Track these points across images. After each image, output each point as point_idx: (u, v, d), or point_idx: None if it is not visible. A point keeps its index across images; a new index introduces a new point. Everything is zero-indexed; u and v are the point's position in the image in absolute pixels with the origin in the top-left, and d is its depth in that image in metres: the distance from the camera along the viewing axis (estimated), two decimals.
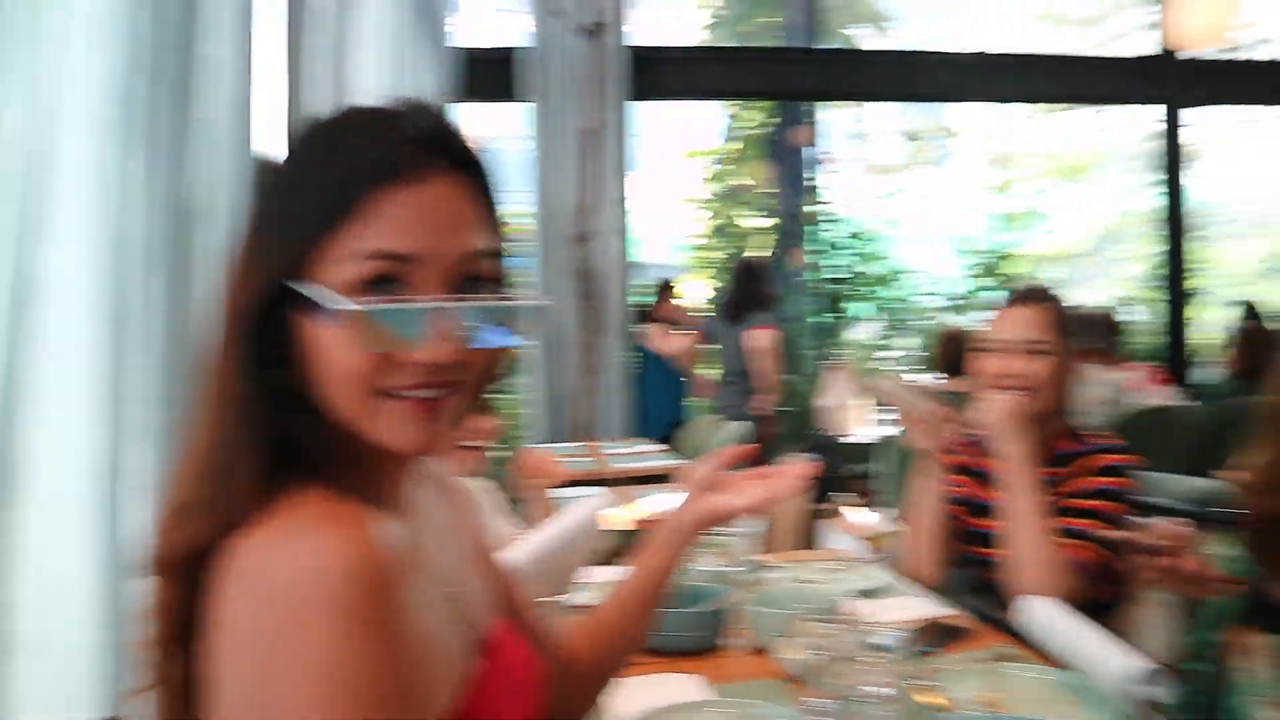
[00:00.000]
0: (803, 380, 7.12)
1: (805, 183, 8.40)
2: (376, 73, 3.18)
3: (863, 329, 8.56)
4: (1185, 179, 6.80)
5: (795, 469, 1.04)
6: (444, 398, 0.74)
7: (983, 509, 1.87)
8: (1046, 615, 1.44)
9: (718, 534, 1.94)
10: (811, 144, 7.98)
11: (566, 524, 1.62)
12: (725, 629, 1.60)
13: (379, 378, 0.71)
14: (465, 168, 0.75)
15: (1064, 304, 1.90)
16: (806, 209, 8.23)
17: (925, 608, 1.78)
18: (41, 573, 1.13)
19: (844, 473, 4.80)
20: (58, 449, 1.17)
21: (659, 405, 5.56)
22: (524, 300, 0.75)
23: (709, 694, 1.39)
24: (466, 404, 0.77)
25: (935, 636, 1.59)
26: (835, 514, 2.79)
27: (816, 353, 7.59)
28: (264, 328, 0.72)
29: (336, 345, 0.70)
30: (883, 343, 8.47)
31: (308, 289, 0.70)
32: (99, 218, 1.25)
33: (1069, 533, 1.70)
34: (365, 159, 0.71)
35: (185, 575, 0.68)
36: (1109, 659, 1.26)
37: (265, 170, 0.77)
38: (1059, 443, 1.85)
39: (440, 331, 0.71)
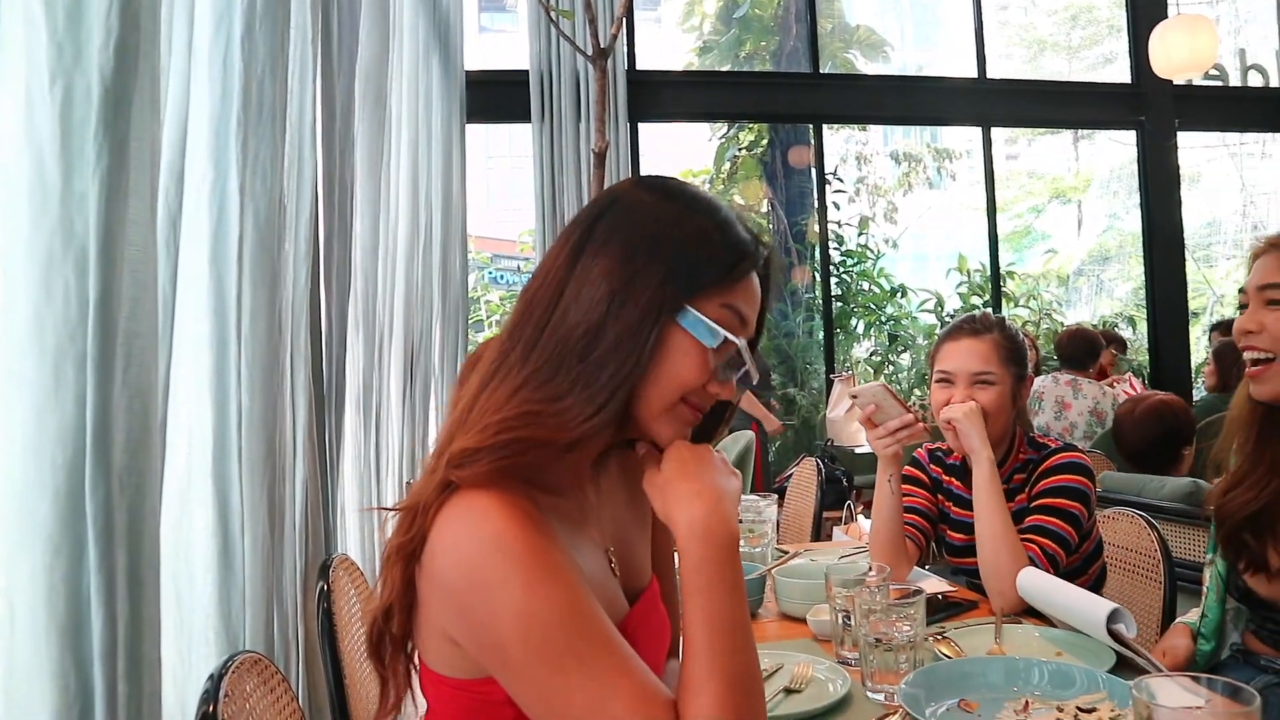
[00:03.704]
0: (807, 394, 7.30)
1: (806, 202, 8.63)
2: (410, 99, 3.38)
3: (864, 345, 8.75)
4: (1170, 201, 7.01)
5: None
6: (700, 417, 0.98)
7: (954, 523, 2.03)
8: (1035, 579, 1.62)
9: (746, 520, 2.11)
10: (811, 164, 8.19)
11: None
12: (757, 600, 1.77)
13: (691, 391, 0.94)
14: (766, 288, 1.03)
15: (1009, 331, 1.95)
16: (808, 228, 8.44)
17: (937, 584, 1.96)
18: (177, 532, 1.30)
19: (855, 482, 4.96)
20: (188, 432, 1.35)
21: None
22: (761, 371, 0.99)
23: None
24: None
25: (945, 606, 1.77)
26: (844, 520, 2.95)
27: (821, 367, 7.78)
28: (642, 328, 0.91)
29: (686, 357, 0.92)
30: (883, 359, 8.65)
31: (693, 314, 0.92)
32: (210, 224, 1.43)
33: (1031, 529, 1.81)
34: (750, 247, 0.97)
35: (425, 513, 0.89)
36: (1085, 605, 1.45)
37: (660, 205, 0.97)
38: (1018, 455, 1.96)
39: (734, 381, 0.97)
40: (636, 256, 0.92)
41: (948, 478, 2.07)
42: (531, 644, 0.83)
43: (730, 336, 0.93)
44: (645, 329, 0.90)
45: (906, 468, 2.04)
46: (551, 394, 0.89)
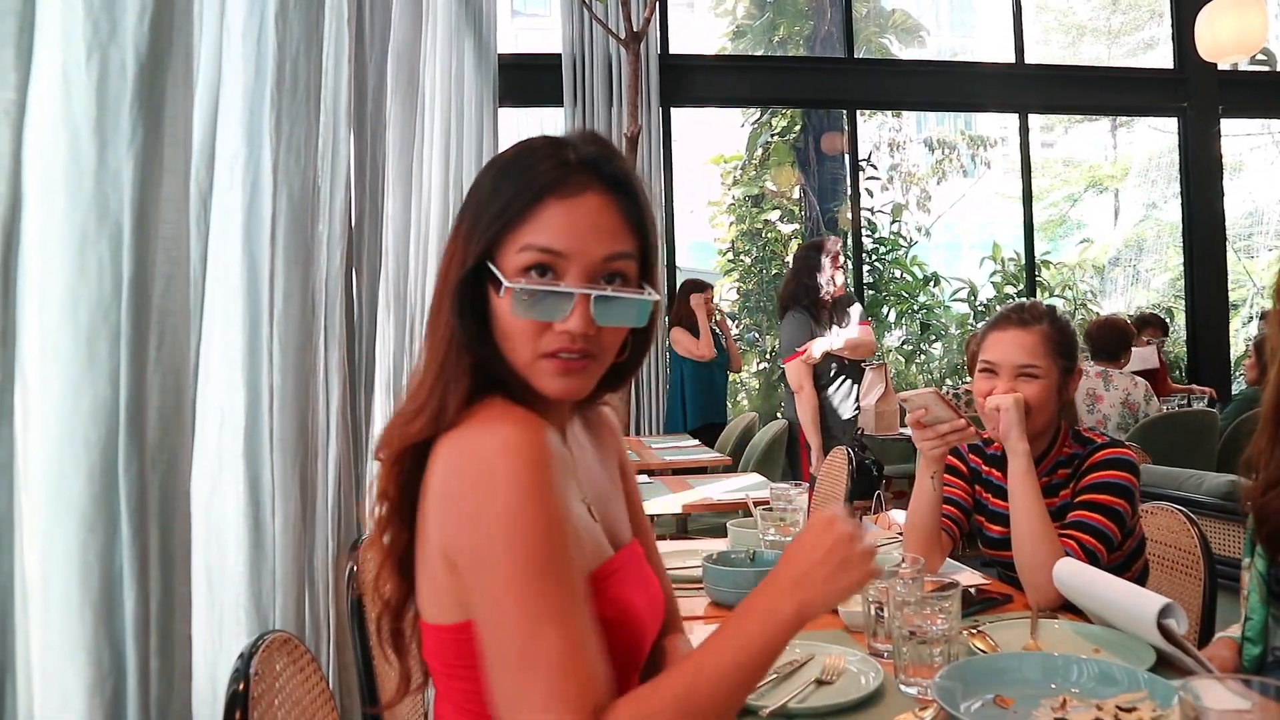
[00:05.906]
0: None
1: (839, 189, 8.55)
2: (442, 82, 3.38)
3: (896, 334, 8.67)
4: (1212, 190, 6.87)
5: None
6: (583, 361, 0.96)
7: (991, 514, 1.98)
8: (1075, 571, 1.58)
9: (777, 508, 2.09)
10: (844, 151, 8.11)
11: None
12: None
13: (538, 342, 0.95)
14: (615, 187, 0.98)
15: (1060, 322, 1.89)
16: (840, 215, 8.37)
17: (969, 577, 1.93)
18: (209, 513, 1.30)
19: (885, 471, 4.90)
20: (220, 412, 1.35)
21: (690, 405, 5.39)
22: (633, 295, 0.97)
23: None
24: (600, 370, 1.00)
25: (980, 600, 1.74)
26: (873, 510, 2.92)
27: None
28: (471, 291, 0.96)
29: (508, 312, 0.94)
30: (915, 348, 8.56)
31: (494, 269, 0.94)
32: (243, 202, 1.43)
33: (1073, 524, 1.77)
34: (539, 176, 0.95)
35: (405, 464, 0.94)
36: (1133, 600, 1.41)
37: (479, 177, 1.01)
38: (1062, 449, 1.91)
39: (577, 310, 0.93)
40: (451, 241, 0.99)
41: (987, 468, 2.03)
42: (516, 546, 0.85)
43: (508, 283, 0.92)
44: (448, 315, 0.96)
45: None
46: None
